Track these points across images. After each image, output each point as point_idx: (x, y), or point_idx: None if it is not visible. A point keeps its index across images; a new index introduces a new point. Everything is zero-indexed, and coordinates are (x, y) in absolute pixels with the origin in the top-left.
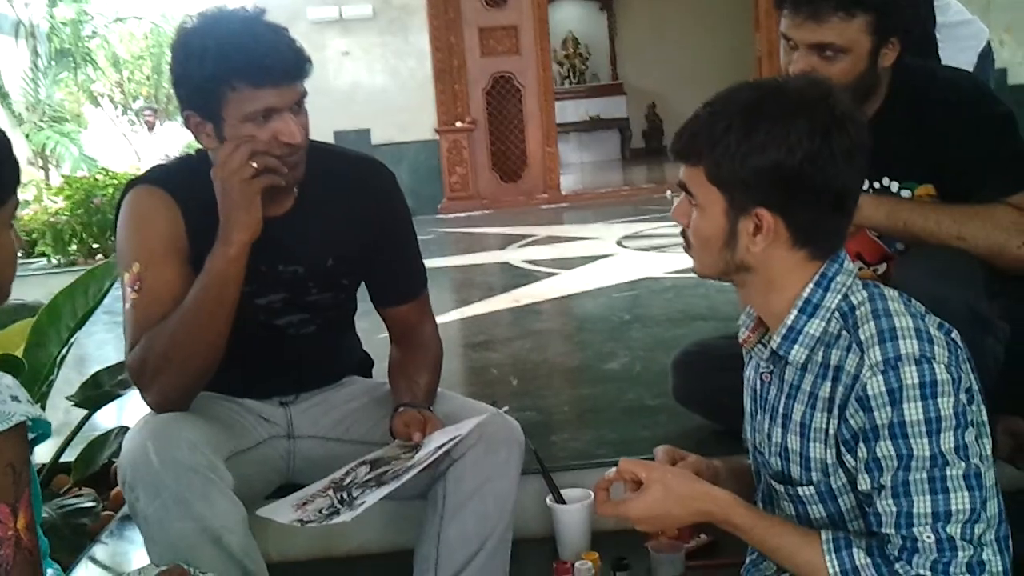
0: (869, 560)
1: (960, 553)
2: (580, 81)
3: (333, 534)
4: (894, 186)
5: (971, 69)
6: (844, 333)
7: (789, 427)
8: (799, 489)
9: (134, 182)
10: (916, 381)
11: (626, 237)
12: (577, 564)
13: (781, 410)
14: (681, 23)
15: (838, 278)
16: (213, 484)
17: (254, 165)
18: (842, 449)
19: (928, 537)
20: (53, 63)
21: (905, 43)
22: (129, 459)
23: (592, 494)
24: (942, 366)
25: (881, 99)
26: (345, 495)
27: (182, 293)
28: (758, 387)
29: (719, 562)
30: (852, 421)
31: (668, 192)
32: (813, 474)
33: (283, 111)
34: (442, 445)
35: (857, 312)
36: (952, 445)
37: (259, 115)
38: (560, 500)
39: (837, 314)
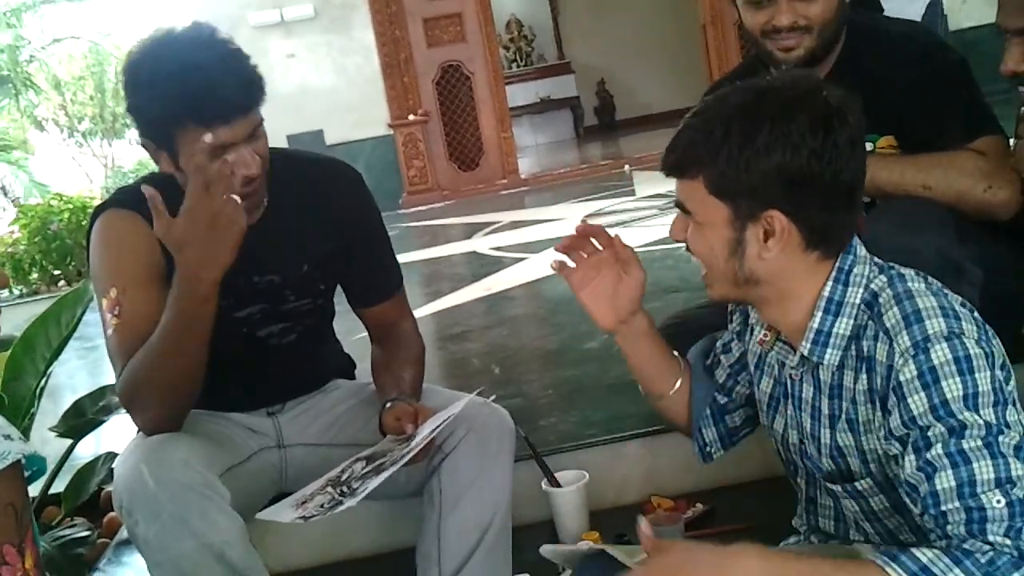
0: (933, 553)
1: None
2: (527, 64)
3: (332, 539)
4: None
5: (919, 19)
6: (870, 323)
7: (838, 425)
8: (857, 484)
9: (103, 206)
10: (949, 357)
11: (589, 215)
12: (578, 545)
13: (825, 409)
14: None
15: (855, 270)
16: (210, 500)
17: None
18: (892, 439)
19: (998, 502)
20: None
21: None
22: (124, 484)
23: (586, 474)
24: (972, 340)
25: (836, 56)
26: (345, 488)
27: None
28: (788, 385)
29: (718, 529)
30: (895, 412)
31: (626, 167)
32: (871, 465)
33: (238, 144)
34: (436, 427)
35: (880, 299)
36: (994, 419)
37: (213, 150)
38: (555, 483)
39: (862, 306)
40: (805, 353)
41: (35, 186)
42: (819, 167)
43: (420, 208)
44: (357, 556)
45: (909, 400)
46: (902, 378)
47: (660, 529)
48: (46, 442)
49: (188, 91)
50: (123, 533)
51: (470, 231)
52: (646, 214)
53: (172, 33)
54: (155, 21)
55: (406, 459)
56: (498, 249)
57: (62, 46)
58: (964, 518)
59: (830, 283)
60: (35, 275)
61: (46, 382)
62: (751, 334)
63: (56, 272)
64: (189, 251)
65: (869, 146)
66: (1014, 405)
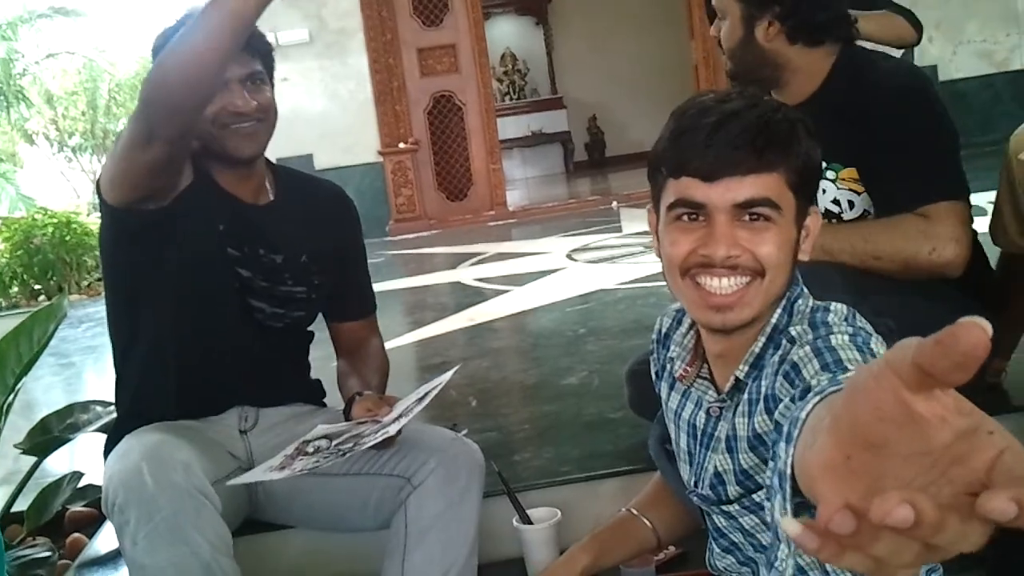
0: None
1: None
2: (520, 97)
3: (296, 572)
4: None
5: None
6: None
7: (736, 448)
8: (754, 496)
9: None
10: (847, 339)
11: (575, 250)
12: None
13: (737, 432)
14: (617, 34)
15: (799, 302)
16: (205, 508)
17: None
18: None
19: None
20: None
21: (819, 33)
22: (121, 480)
23: (559, 512)
24: (879, 338)
25: (819, 81)
26: (320, 458)
27: None
28: (701, 423)
29: (690, 573)
30: (781, 393)
31: (614, 203)
32: (764, 476)
33: (231, 81)
34: (409, 407)
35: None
36: None
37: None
38: (526, 520)
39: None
40: (741, 376)
41: (21, 199)
42: None
43: (407, 236)
44: None
45: (799, 374)
46: (795, 357)
47: (631, 572)
48: (16, 459)
49: None
50: (85, 554)
51: (455, 261)
52: (632, 251)
53: None
54: (151, 40)
55: (391, 429)
56: (482, 280)
57: (56, 61)
58: None
59: (779, 311)
60: (15, 289)
61: (14, 398)
62: (669, 361)
63: (37, 287)
64: None
65: (832, 174)
66: None
